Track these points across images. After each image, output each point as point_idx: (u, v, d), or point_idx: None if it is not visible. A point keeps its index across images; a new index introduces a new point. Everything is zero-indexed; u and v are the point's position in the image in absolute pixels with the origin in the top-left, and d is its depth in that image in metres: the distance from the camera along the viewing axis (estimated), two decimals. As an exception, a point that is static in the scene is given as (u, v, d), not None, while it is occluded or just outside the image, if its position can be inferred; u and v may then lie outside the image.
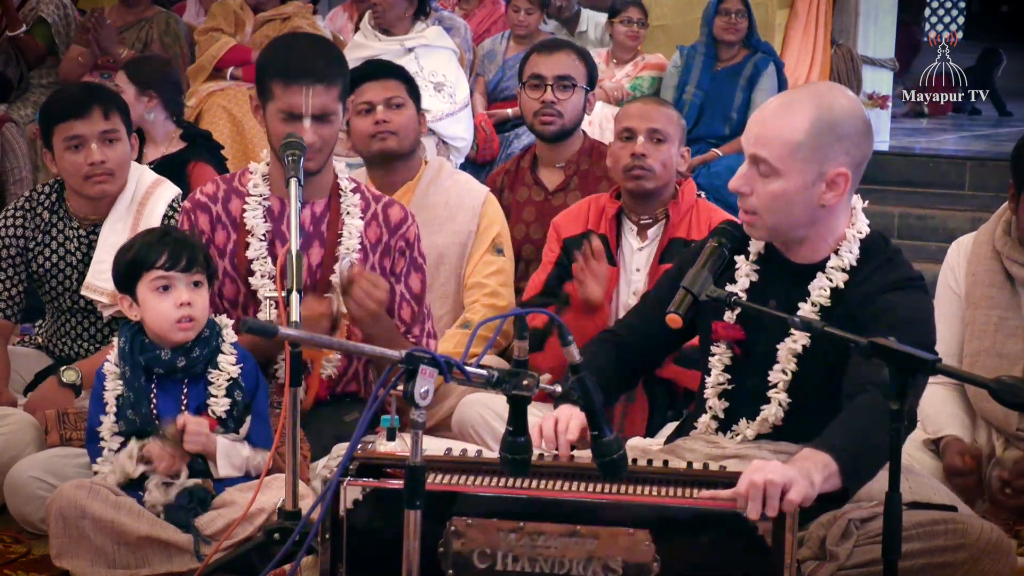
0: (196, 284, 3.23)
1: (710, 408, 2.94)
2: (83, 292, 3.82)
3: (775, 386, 2.85)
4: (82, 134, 3.76)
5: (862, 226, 2.86)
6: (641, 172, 3.88)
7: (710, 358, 2.94)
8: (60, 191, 3.92)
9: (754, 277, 2.91)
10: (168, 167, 4.84)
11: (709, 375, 2.95)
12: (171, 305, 3.19)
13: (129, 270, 3.23)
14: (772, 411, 2.84)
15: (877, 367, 2.39)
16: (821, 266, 2.84)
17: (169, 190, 3.94)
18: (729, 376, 2.92)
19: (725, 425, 2.93)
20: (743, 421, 2.89)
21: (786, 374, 2.84)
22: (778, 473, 2.37)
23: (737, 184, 2.80)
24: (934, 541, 2.59)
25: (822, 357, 2.79)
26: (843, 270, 2.82)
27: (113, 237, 3.77)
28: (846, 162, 2.75)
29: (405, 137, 4.26)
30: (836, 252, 2.83)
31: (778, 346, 2.84)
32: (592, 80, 4.77)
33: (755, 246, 2.93)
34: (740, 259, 2.93)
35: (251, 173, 3.61)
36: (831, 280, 2.82)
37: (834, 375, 2.75)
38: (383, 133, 4.22)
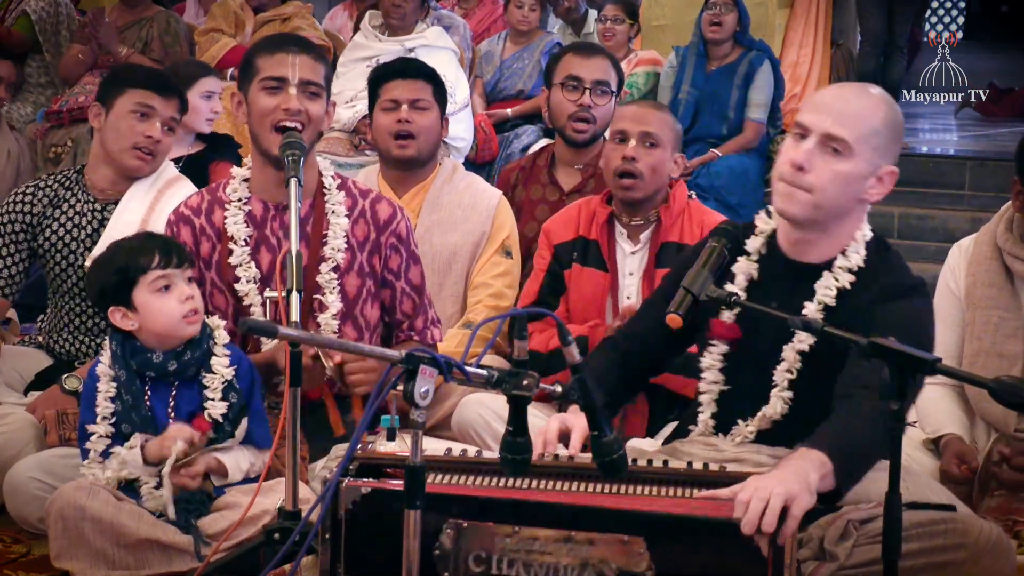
0: (190, 280, 3.25)
1: (707, 408, 2.94)
2: (88, 264, 3.81)
3: (778, 384, 2.85)
4: (155, 107, 3.91)
5: (867, 230, 2.91)
6: (630, 183, 3.85)
7: (705, 356, 2.95)
8: (79, 170, 3.99)
9: (754, 276, 2.92)
10: (192, 166, 4.88)
11: (706, 375, 2.95)
12: (176, 301, 3.18)
13: (120, 279, 3.19)
14: (776, 408, 2.84)
15: (872, 370, 2.40)
16: (827, 266, 2.86)
17: (187, 188, 3.99)
18: (725, 377, 2.93)
19: (722, 425, 2.93)
20: (741, 422, 2.89)
21: (791, 373, 2.84)
22: (781, 485, 2.36)
23: (801, 159, 2.79)
24: (934, 541, 2.59)
25: (824, 358, 2.79)
26: (850, 271, 2.84)
27: (127, 215, 3.85)
28: (894, 162, 2.84)
29: (426, 141, 4.25)
30: (843, 253, 2.86)
31: (784, 346, 2.84)
32: (619, 88, 4.75)
33: (754, 245, 2.94)
34: (741, 258, 2.93)
35: (233, 179, 3.55)
36: (838, 280, 2.84)
37: (833, 377, 2.75)
38: (404, 136, 4.22)
